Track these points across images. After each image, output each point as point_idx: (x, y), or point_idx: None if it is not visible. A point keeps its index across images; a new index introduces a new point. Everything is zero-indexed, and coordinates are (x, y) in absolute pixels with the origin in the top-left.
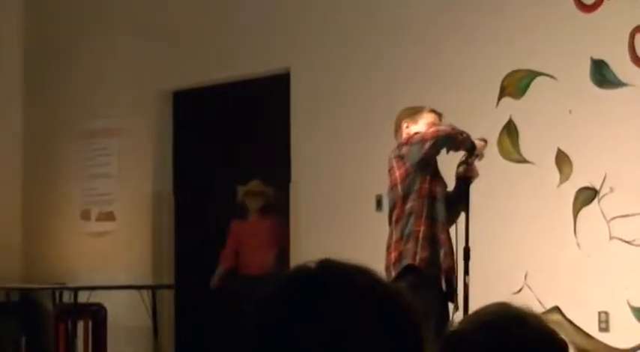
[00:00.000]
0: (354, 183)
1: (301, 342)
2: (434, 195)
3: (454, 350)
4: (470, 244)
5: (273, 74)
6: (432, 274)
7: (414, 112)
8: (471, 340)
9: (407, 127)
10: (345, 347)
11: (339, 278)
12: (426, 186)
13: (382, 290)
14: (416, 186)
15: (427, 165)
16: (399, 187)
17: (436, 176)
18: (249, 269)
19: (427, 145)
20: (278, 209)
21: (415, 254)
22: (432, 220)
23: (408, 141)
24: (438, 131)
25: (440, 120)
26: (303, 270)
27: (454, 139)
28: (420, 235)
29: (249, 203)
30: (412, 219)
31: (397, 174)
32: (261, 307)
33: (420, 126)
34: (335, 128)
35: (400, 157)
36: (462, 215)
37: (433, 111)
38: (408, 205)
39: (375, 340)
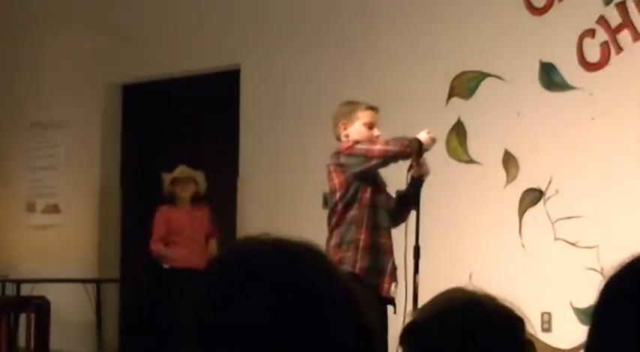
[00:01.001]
0: (302, 180)
1: (246, 321)
2: (375, 204)
3: (414, 340)
4: (419, 243)
5: (223, 70)
6: (373, 282)
7: (350, 110)
8: (430, 328)
9: (345, 129)
10: (292, 328)
11: (290, 257)
12: (368, 195)
13: (331, 271)
14: (358, 195)
15: (368, 177)
16: (338, 194)
17: (377, 183)
18: (179, 261)
19: (372, 162)
20: (209, 198)
21: (355, 262)
22: (373, 229)
23: (348, 152)
24: (386, 151)
25: (376, 114)
26: (255, 248)
27: (401, 156)
28: (361, 244)
29: (179, 192)
30: (353, 228)
31: (336, 181)
32: (206, 286)
33: (357, 127)
34: (284, 125)
35: (339, 165)
36: (412, 213)
37: (370, 107)
38: (350, 214)
39: (324, 320)
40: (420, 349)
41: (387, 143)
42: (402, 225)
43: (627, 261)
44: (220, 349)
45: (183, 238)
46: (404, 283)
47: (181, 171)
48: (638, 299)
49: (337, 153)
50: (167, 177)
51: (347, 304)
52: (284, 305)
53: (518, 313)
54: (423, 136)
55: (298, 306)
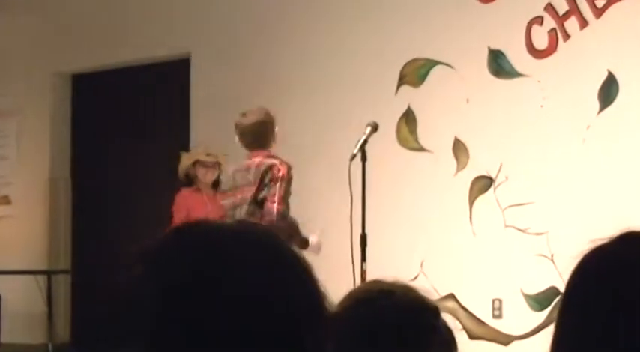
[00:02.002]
0: None
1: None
2: None
3: (332, 332)
4: (367, 231)
5: (173, 59)
6: None
7: None
8: (344, 318)
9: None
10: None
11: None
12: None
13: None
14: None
15: None
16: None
17: None
18: None
19: (275, 219)
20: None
21: None
22: None
23: (273, 180)
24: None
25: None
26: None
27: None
28: None
29: (201, 176)
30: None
31: (248, 195)
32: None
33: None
34: (236, 116)
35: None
36: (359, 201)
37: None
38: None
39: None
40: (338, 342)
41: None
42: (347, 213)
43: (591, 248)
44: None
45: None
46: (351, 272)
47: (205, 152)
48: (604, 287)
49: (249, 168)
50: (187, 158)
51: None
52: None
53: (432, 303)
54: (312, 240)
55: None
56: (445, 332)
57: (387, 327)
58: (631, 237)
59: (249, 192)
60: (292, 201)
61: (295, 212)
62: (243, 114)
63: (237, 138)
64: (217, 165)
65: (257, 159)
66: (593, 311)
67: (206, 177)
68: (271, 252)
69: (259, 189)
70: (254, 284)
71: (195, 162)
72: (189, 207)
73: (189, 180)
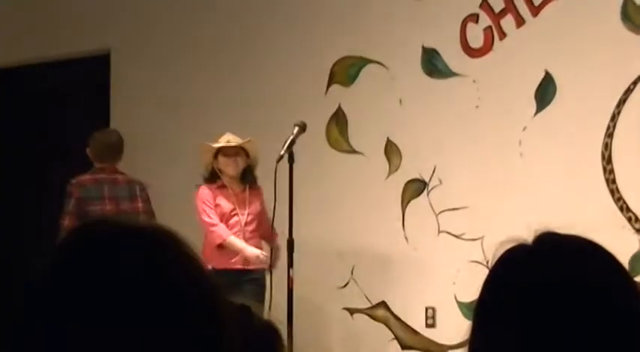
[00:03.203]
0: (180, 177)
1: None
2: None
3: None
4: (294, 236)
5: (92, 55)
6: None
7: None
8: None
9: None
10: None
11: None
12: None
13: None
14: None
15: None
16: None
17: None
18: (230, 262)
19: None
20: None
21: None
22: None
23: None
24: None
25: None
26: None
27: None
28: None
29: (224, 167)
30: None
31: (126, 208)
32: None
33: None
34: (157, 115)
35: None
36: (286, 206)
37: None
38: None
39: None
40: None
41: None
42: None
43: (505, 251)
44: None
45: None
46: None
47: (228, 139)
48: (516, 291)
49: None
50: (208, 148)
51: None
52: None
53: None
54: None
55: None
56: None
57: None
58: (547, 238)
59: (127, 206)
60: None
61: None
62: (108, 132)
63: (91, 149)
64: (243, 152)
65: (121, 176)
66: (508, 317)
67: (228, 168)
68: (163, 253)
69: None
70: (139, 287)
71: (218, 153)
72: (211, 205)
73: (214, 177)
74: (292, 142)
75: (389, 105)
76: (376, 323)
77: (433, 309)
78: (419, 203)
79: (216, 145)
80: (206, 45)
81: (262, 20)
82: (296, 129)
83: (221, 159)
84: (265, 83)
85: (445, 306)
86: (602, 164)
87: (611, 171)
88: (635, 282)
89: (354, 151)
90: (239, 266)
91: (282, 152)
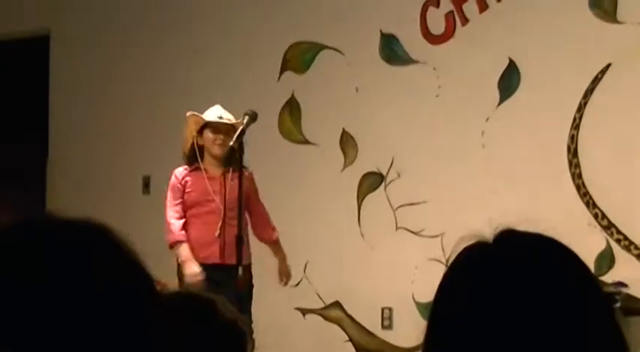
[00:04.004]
0: (119, 161)
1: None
2: None
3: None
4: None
5: (31, 36)
6: None
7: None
8: None
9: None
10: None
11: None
12: None
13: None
14: None
15: None
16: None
17: None
18: (201, 252)
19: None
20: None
21: None
22: None
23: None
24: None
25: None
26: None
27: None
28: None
29: (209, 145)
30: None
31: None
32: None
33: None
34: (100, 100)
35: None
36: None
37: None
38: None
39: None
40: None
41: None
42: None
43: (463, 249)
44: None
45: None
46: None
47: (220, 114)
48: (473, 291)
49: None
50: (196, 120)
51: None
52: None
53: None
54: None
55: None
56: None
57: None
58: (507, 236)
59: None
60: (160, 195)
61: (159, 204)
62: None
63: None
64: (233, 131)
65: None
66: (464, 318)
67: (213, 147)
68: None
69: None
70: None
71: (204, 128)
72: (188, 191)
73: (193, 157)
74: (242, 132)
75: (345, 94)
76: (330, 324)
77: (390, 310)
78: (376, 197)
79: (208, 119)
80: (154, 27)
81: (212, 3)
82: (246, 118)
83: (207, 134)
84: (215, 69)
85: (402, 307)
86: (568, 157)
87: (577, 166)
88: (598, 282)
89: (307, 142)
90: (215, 261)
91: (231, 142)
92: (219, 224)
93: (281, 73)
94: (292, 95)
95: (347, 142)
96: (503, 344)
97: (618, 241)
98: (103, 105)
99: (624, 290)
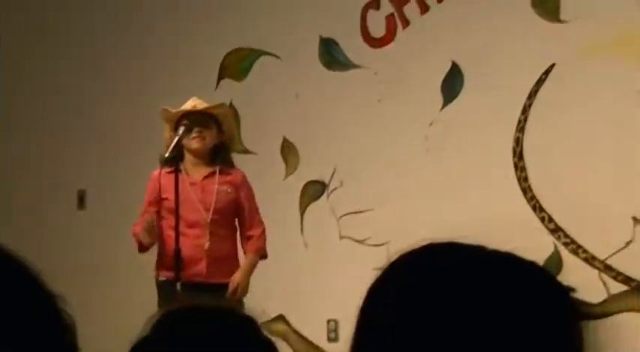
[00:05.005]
0: (53, 175)
1: None
2: None
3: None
4: (181, 245)
5: None
6: None
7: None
8: (151, 342)
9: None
10: None
11: None
12: None
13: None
14: None
15: None
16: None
17: None
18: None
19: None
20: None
21: None
22: None
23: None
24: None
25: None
26: None
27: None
28: None
29: (187, 142)
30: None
31: None
32: None
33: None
34: (35, 109)
35: None
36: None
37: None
38: None
39: None
40: None
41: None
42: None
43: (391, 262)
44: None
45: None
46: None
47: (194, 104)
48: (395, 303)
49: None
50: (167, 116)
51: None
52: None
53: (248, 313)
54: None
55: None
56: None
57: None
58: (433, 249)
59: None
60: (97, 210)
61: (99, 224)
62: None
63: None
64: (212, 123)
65: None
66: (390, 325)
67: (191, 142)
68: None
69: None
70: None
71: (180, 121)
72: (162, 193)
73: (176, 157)
74: (178, 143)
75: (285, 101)
76: (275, 338)
77: (335, 322)
78: (319, 206)
79: (174, 110)
80: (88, 38)
81: (148, 11)
82: (182, 128)
83: (186, 131)
84: (151, 77)
85: (348, 319)
86: (514, 161)
87: (523, 169)
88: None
89: (247, 151)
90: (199, 280)
91: (166, 154)
92: (208, 237)
93: (219, 80)
94: (231, 103)
95: (288, 150)
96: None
97: (566, 244)
98: (36, 115)
99: (572, 294)
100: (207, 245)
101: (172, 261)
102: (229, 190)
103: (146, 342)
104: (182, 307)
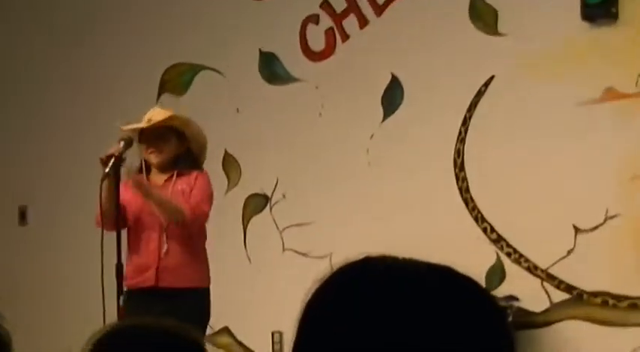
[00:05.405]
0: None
1: None
2: None
3: None
4: (123, 261)
5: None
6: None
7: None
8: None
9: None
10: None
11: None
12: None
13: None
14: None
15: None
16: None
17: None
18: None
19: None
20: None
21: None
22: None
23: None
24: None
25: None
26: None
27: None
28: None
29: (147, 156)
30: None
31: None
32: None
33: None
34: None
35: None
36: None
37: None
38: None
39: None
40: None
41: None
42: (94, 241)
43: (326, 277)
44: None
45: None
46: (101, 308)
47: (149, 117)
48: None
49: None
50: (124, 136)
51: None
52: None
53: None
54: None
55: None
56: None
57: None
58: (367, 264)
59: None
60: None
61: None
62: None
63: None
64: (169, 133)
65: None
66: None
67: (149, 157)
68: None
69: None
70: None
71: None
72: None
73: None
74: (118, 159)
75: (226, 115)
76: (219, 350)
77: (280, 334)
78: (261, 219)
79: (126, 127)
80: (30, 49)
81: (88, 25)
82: (122, 144)
83: (141, 146)
84: (91, 92)
85: (293, 330)
86: (455, 171)
87: (464, 179)
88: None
89: None
90: (149, 284)
91: (107, 169)
92: (163, 244)
93: (159, 95)
94: None
95: (229, 164)
96: None
97: (508, 254)
98: None
99: (516, 303)
100: (165, 248)
101: (128, 269)
102: (185, 190)
103: None
104: (125, 325)
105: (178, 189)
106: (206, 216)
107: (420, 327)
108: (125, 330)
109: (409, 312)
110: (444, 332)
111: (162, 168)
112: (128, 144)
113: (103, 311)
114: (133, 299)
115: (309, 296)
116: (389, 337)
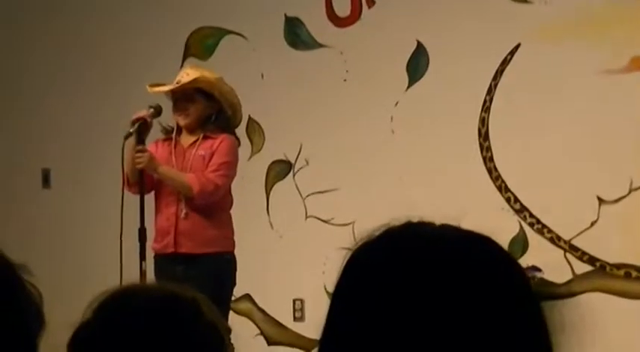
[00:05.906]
0: (16, 153)
1: None
2: None
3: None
4: (146, 225)
5: None
6: None
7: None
8: (92, 329)
9: None
10: None
11: None
12: None
13: None
14: None
15: None
16: None
17: None
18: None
19: None
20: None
21: None
22: None
23: None
24: None
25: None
26: None
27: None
28: None
29: (176, 118)
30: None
31: None
32: None
33: None
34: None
35: None
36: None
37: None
38: None
39: None
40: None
41: None
42: (117, 205)
43: (371, 234)
44: None
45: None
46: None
47: (179, 78)
48: (377, 277)
49: None
50: (155, 91)
51: None
52: None
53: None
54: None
55: None
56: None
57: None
58: (390, 233)
59: None
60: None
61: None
62: None
63: None
64: (196, 95)
65: None
66: (366, 304)
67: (178, 119)
68: None
69: None
70: None
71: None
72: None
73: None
74: (145, 126)
75: (250, 80)
76: (240, 317)
77: (301, 301)
78: (284, 186)
79: (156, 90)
80: (52, 19)
81: None
82: (151, 111)
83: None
84: (115, 59)
85: (314, 298)
86: (479, 141)
87: (489, 149)
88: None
89: None
90: (170, 251)
91: (131, 129)
92: (181, 210)
93: (184, 59)
94: None
95: (253, 130)
96: (406, 332)
97: (531, 225)
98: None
99: (538, 274)
100: (183, 213)
101: (155, 234)
102: (205, 155)
103: (87, 326)
104: (126, 288)
105: (199, 155)
106: (217, 188)
107: (460, 290)
108: (127, 293)
109: (452, 276)
110: (482, 299)
111: (191, 130)
112: (157, 111)
113: (120, 275)
114: (159, 266)
115: (355, 253)
116: (431, 299)
